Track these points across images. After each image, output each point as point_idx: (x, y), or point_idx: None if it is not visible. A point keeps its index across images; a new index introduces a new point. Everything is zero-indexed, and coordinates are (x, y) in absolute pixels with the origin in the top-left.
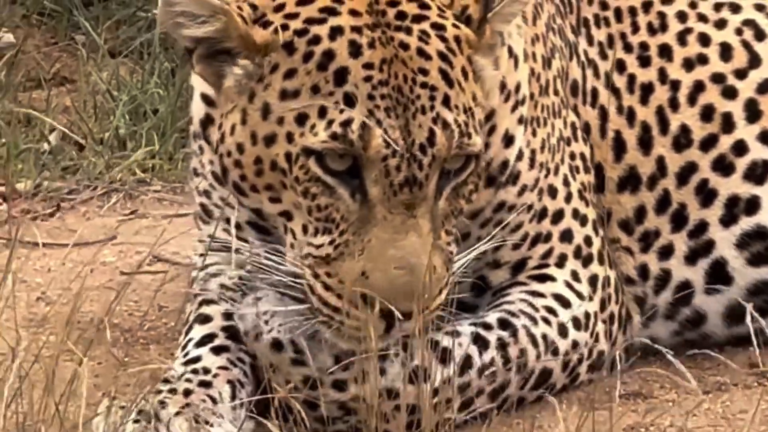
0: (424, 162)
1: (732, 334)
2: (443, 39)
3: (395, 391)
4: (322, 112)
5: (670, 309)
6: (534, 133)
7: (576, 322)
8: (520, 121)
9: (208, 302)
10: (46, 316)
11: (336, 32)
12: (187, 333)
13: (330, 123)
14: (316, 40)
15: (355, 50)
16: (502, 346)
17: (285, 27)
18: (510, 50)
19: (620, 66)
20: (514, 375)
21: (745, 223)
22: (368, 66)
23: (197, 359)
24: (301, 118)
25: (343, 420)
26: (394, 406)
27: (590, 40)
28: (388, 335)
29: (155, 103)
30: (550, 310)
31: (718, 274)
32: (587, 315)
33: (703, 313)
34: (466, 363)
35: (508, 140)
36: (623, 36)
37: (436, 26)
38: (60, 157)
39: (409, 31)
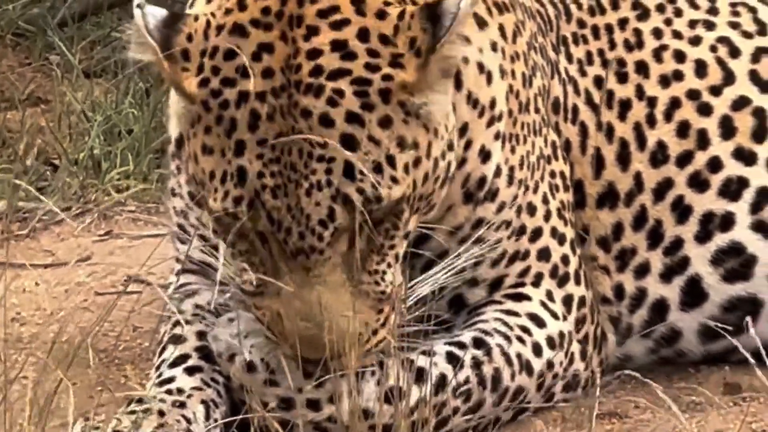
0: (324, 235)
1: (707, 351)
2: (362, 95)
3: (370, 411)
4: (224, 178)
5: (644, 326)
6: (513, 150)
7: (550, 342)
8: (497, 136)
9: (180, 323)
10: (21, 336)
11: (242, 99)
12: (160, 353)
13: (225, 195)
14: (225, 104)
15: (253, 122)
16: (477, 365)
17: (206, 82)
18: (481, 66)
19: (599, 83)
20: (489, 394)
21: (720, 240)
22: (262, 142)
23: (171, 380)
24: (212, 177)
25: None
26: (369, 426)
27: (569, 58)
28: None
29: (130, 124)
30: (525, 330)
31: (693, 291)
32: (561, 335)
33: (678, 331)
34: (441, 382)
35: (485, 156)
36: (601, 53)
37: (357, 81)
38: (34, 178)
39: (318, 93)
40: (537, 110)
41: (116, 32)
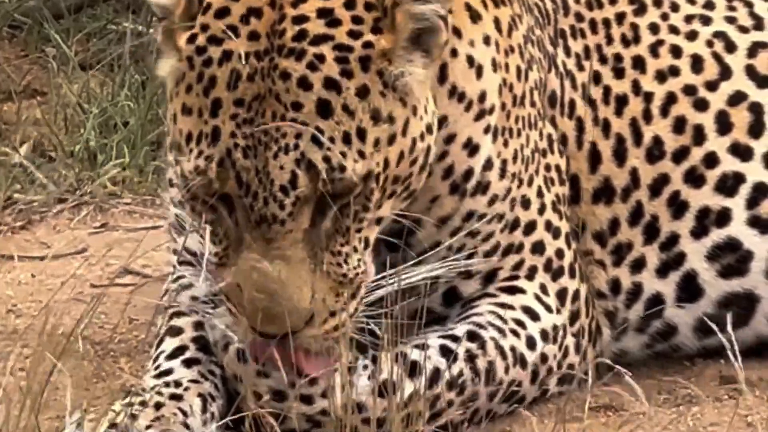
0: (286, 202)
1: (703, 346)
2: (341, 61)
3: (363, 404)
4: (199, 138)
5: (641, 322)
6: (506, 144)
7: (544, 335)
8: (487, 130)
9: (179, 314)
10: (17, 328)
11: (224, 58)
12: (158, 345)
13: (199, 154)
14: (208, 62)
15: (233, 82)
16: (471, 358)
17: (194, 38)
18: (471, 60)
19: (596, 77)
20: (483, 387)
21: (716, 235)
22: (238, 102)
23: (169, 372)
24: (188, 138)
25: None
26: (362, 419)
27: (567, 52)
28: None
29: (126, 116)
30: (519, 323)
31: (689, 287)
32: (555, 328)
33: (674, 326)
34: (435, 376)
35: (472, 149)
36: (599, 47)
37: (339, 47)
38: (30, 170)
39: (300, 56)
40: (533, 104)
41: (112, 24)
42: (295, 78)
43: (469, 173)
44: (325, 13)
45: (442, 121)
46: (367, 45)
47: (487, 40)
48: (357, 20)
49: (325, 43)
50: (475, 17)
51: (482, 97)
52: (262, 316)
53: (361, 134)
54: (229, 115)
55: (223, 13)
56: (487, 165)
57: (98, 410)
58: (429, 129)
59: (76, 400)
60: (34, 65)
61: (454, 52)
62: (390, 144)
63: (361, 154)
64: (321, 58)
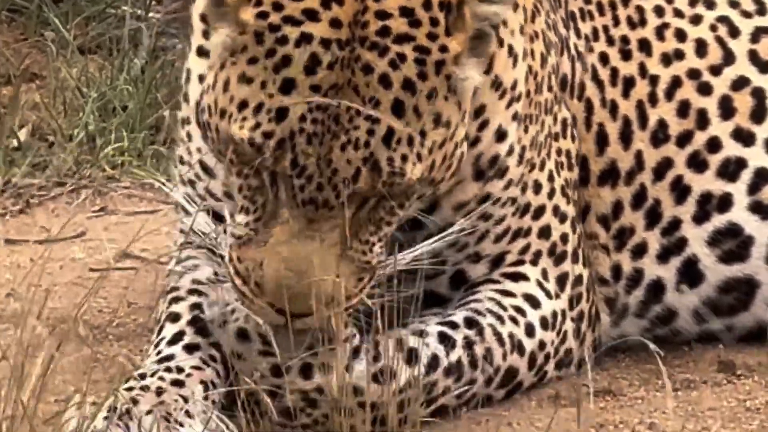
0: (343, 193)
1: (703, 331)
2: (420, 63)
3: (360, 389)
4: (258, 109)
5: (641, 307)
6: (526, 130)
7: (544, 322)
8: (515, 117)
9: (177, 300)
10: (16, 312)
11: (304, 40)
12: (159, 332)
13: (256, 126)
14: (283, 40)
15: (312, 66)
16: (469, 345)
17: (265, 15)
18: (510, 49)
19: (603, 59)
20: (480, 373)
21: (718, 221)
22: (315, 88)
23: (170, 357)
24: (242, 106)
25: (306, 413)
26: (358, 402)
27: (578, 34)
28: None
29: (124, 100)
30: (519, 310)
31: (690, 272)
32: (555, 314)
33: (674, 311)
34: (433, 363)
35: (500, 135)
36: (606, 29)
37: (419, 49)
38: (29, 154)
39: (383, 53)
40: (550, 88)
41: (111, 8)
42: (377, 73)
43: (495, 159)
44: (407, 12)
45: (480, 110)
46: (443, 49)
47: (522, 29)
48: (434, 22)
49: (408, 43)
50: (515, 6)
51: (514, 85)
52: (283, 293)
53: (423, 137)
54: (302, 98)
55: None
56: (510, 151)
57: (98, 394)
58: (467, 135)
59: (75, 384)
60: (33, 49)
61: (500, 42)
62: (440, 148)
63: (419, 157)
64: (403, 57)
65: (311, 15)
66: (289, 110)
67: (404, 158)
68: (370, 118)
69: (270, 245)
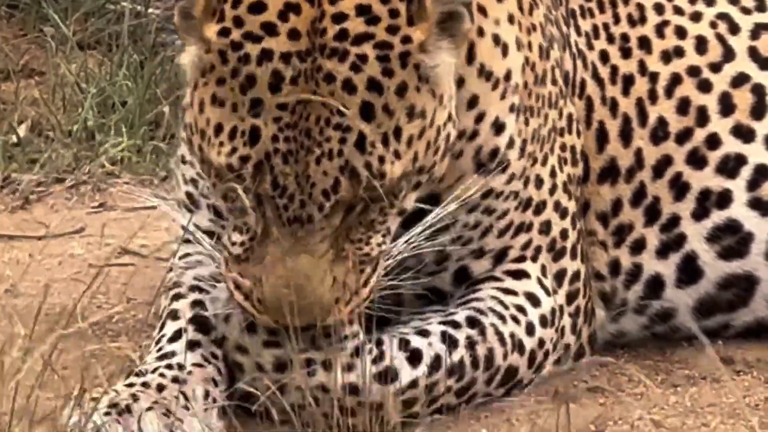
0: (325, 206)
1: (702, 327)
2: (383, 59)
3: (362, 388)
4: (233, 134)
5: (640, 303)
6: (527, 123)
7: (543, 320)
8: (512, 109)
9: (178, 297)
10: (15, 308)
11: (265, 57)
12: (160, 329)
13: (233, 151)
14: (246, 59)
15: (276, 83)
16: (471, 345)
17: (227, 32)
18: (497, 38)
19: (603, 57)
20: (481, 373)
21: (717, 217)
22: (281, 106)
23: (171, 354)
24: (218, 130)
25: (307, 411)
26: (358, 401)
27: (578, 31)
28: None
29: (124, 96)
30: (520, 309)
31: (689, 268)
32: (553, 311)
33: (673, 307)
34: (435, 363)
35: (499, 128)
36: (606, 27)
37: (380, 46)
38: (28, 149)
39: (343, 58)
40: (554, 82)
41: (111, 4)
42: (339, 80)
43: (495, 152)
44: (364, 10)
45: (473, 101)
46: (406, 40)
47: (511, 19)
48: (394, 14)
49: (367, 42)
50: None
51: (508, 76)
52: (285, 309)
53: (398, 133)
54: (272, 118)
55: (258, 7)
56: (510, 144)
57: (97, 390)
58: (450, 116)
59: (74, 381)
60: (32, 45)
61: (480, 31)
62: (419, 138)
63: (397, 154)
64: (364, 58)
65: (270, 29)
66: (261, 132)
67: (381, 160)
68: (340, 127)
69: (266, 263)
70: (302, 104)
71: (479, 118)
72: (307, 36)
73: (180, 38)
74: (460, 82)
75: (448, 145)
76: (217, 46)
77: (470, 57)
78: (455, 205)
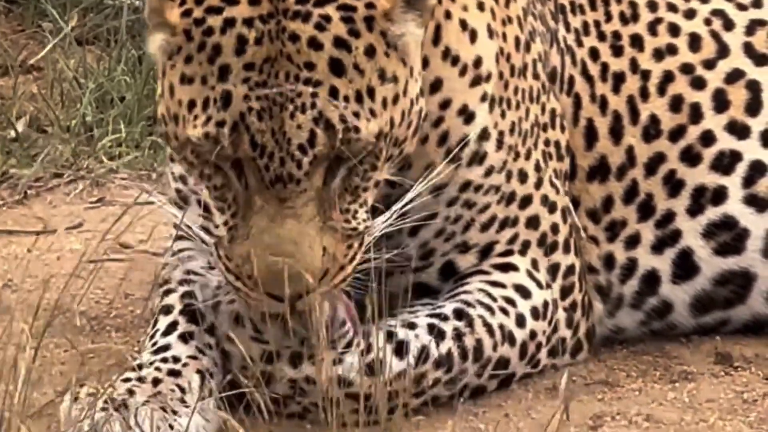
0: (303, 161)
1: (698, 323)
2: (348, 21)
3: (349, 380)
4: (206, 104)
5: (636, 298)
6: (503, 115)
7: (534, 312)
8: (483, 98)
9: (169, 292)
10: (13, 303)
11: (227, 25)
12: (153, 324)
13: (207, 120)
14: (209, 31)
15: (240, 47)
16: (458, 336)
17: (189, 12)
18: (464, 23)
19: (594, 54)
20: (471, 364)
21: (712, 213)
22: (248, 66)
23: (166, 348)
24: (191, 106)
25: (295, 402)
26: (347, 393)
27: (567, 27)
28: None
29: (122, 91)
30: (509, 301)
31: (685, 264)
32: (546, 304)
33: (670, 303)
34: (422, 354)
35: (468, 116)
36: (597, 24)
37: (343, 7)
38: (26, 145)
39: (306, 18)
40: (536, 76)
41: None
42: (304, 39)
43: (463, 141)
44: None
45: (437, 85)
46: (370, 6)
47: (481, 6)
48: None
49: (330, 4)
50: None
51: (477, 63)
52: (276, 279)
53: (371, 93)
54: (240, 79)
55: None
56: (484, 135)
57: (94, 385)
58: (422, 92)
59: (71, 375)
60: (30, 40)
61: (447, 14)
62: (394, 103)
63: (372, 113)
64: (327, 18)
65: (230, 0)
66: (232, 94)
67: (356, 115)
68: (310, 81)
69: (252, 236)
70: (269, 63)
71: (444, 105)
72: (269, 1)
73: (149, 30)
74: (425, 63)
75: (419, 121)
76: (181, 27)
77: (436, 38)
78: (427, 188)
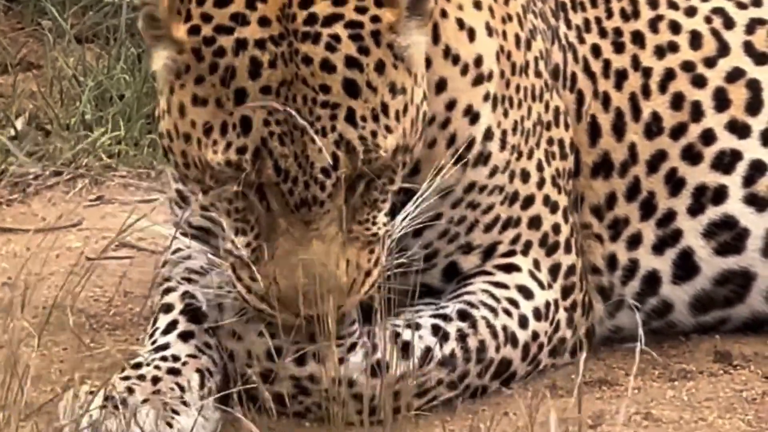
0: (327, 184)
1: (698, 322)
2: (356, 38)
3: (353, 381)
4: (224, 129)
5: (636, 299)
6: (505, 113)
7: (537, 313)
8: (486, 97)
9: (169, 291)
10: (12, 301)
11: (240, 46)
12: (153, 323)
13: (228, 146)
14: (220, 52)
15: (254, 70)
16: (462, 337)
17: (197, 30)
18: (461, 22)
19: (596, 51)
20: (474, 365)
21: (713, 213)
22: (265, 90)
23: (166, 346)
24: (208, 130)
25: (299, 400)
26: (352, 393)
27: (568, 24)
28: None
29: (121, 89)
30: (512, 302)
31: (686, 264)
32: (548, 305)
33: (670, 303)
34: (426, 355)
35: (473, 117)
36: (598, 21)
37: (350, 25)
38: (26, 143)
39: (316, 40)
40: (538, 74)
41: None
42: (317, 61)
43: (471, 142)
44: None
45: (441, 85)
46: (375, 19)
47: (477, 5)
48: None
49: (337, 23)
50: None
51: (478, 62)
52: (306, 299)
53: (385, 109)
54: (257, 103)
55: (223, 1)
56: (488, 135)
57: (93, 383)
58: (425, 94)
59: (70, 374)
60: (29, 38)
61: (443, 13)
62: (404, 114)
63: (388, 129)
64: (336, 38)
65: (239, 19)
66: (252, 120)
67: (374, 134)
68: (328, 104)
69: (278, 258)
70: (286, 87)
71: (450, 106)
72: (277, 21)
73: (147, 44)
74: (428, 63)
75: (424, 124)
76: (189, 45)
77: (435, 38)
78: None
